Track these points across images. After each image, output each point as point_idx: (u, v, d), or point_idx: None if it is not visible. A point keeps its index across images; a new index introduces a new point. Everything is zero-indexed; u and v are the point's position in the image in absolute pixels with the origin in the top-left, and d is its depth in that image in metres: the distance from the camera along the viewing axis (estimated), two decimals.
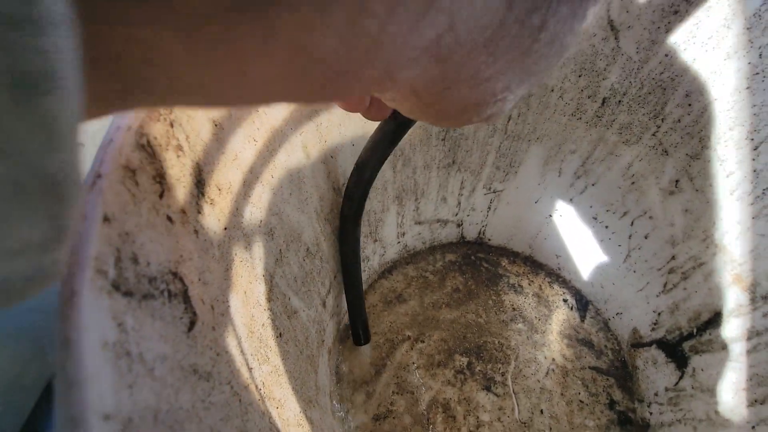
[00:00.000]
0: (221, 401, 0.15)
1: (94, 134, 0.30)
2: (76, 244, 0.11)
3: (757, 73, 0.26)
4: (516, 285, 0.51)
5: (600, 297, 0.47)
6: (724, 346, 0.32)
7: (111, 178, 0.12)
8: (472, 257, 0.53)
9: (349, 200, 0.32)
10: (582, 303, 0.49)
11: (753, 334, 0.30)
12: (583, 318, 0.48)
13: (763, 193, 0.28)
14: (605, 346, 0.46)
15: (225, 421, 0.15)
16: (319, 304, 0.38)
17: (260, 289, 0.25)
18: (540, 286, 0.51)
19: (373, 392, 0.43)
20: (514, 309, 0.49)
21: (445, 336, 0.47)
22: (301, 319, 0.33)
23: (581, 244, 0.46)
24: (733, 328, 0.31)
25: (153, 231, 0.14)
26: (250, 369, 0.20)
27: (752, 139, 0.28)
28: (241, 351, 0.20)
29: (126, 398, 0.10)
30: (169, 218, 0.15)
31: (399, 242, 0.50)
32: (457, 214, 0.50)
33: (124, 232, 0.12)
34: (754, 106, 0.27)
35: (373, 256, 0.48)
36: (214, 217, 0.19)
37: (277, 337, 0.27)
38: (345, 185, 0.36)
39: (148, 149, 0.15)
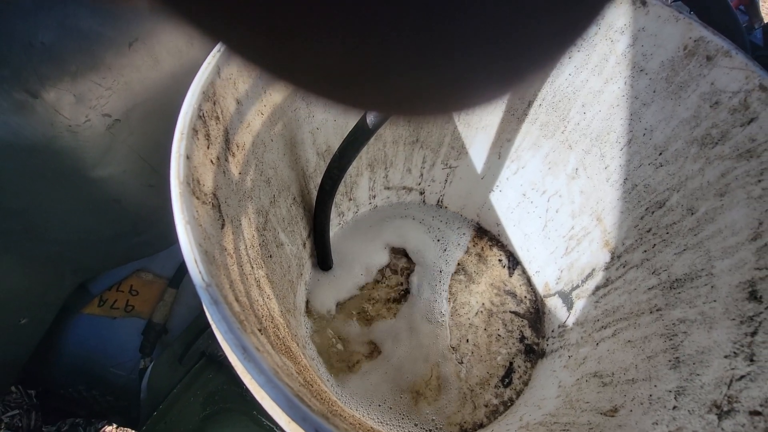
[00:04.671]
0: (236, 272, 0.26)
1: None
2: (177, 168, 0.21)
3: (623, 96, 0.36)
4: (463, 245, 0.62)
5: (525, 258, 0.59)
6: (593, 292, 0.44)
7: (186, 135, 0.22)
8: None
9: (329, 178, 0.37)
10: (512, 263, 0.60)
11: (609, 282, 0.42)
12: (511, 274, 0.60)
13: (624, 181, 0.39)
14: (525, 297, 0.58)
15: (240, 281, 0.26)
16: (300, 244, 0.49)
17: (260, 220, 0.35)
18: (482, 247, 0.62)
19: (337, 325, 0.54)
20: (458, 264, 0.60)
21: (401, 280, 0.58)
22: (285, 251, 0.44)
23: (515, 215, 0.57)
24: (599, 279, 0.43)
25: (204, 168, 0.24)
26: (252, 267, 0.31)
27: (619, 142, 0.38)
28: (247, 254, 0.30)
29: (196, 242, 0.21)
30: (212, 161, 0.25)
31: (370, 203, 0.60)
32: (419, 184, 0.60)
33: (194, 166, 0.23)
34: (622, 118, 0.37)
35: (347, 212, 0.58)
36: (234, 164, 0.29)
37: (268, 257, 0.38)
38: (326, 152, 0.46)
39: (202, 118, 0.24)
